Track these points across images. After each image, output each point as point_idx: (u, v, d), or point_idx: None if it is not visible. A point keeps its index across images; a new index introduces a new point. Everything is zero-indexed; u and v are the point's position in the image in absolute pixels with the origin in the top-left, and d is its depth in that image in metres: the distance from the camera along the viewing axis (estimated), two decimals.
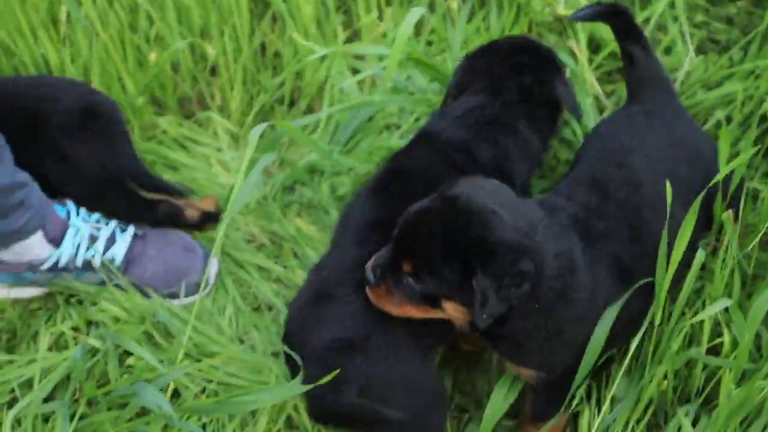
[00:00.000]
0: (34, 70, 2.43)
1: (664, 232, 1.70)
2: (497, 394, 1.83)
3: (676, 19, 2.50)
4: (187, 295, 2.17)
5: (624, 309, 1.73)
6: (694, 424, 1.85)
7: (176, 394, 2.00)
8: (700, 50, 2.51)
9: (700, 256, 1.76)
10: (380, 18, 2.54)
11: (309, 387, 1.71)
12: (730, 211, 1.91)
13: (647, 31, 2.46)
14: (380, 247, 1.75)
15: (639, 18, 2.48)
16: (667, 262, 1.72)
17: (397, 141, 2.34)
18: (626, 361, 1.80)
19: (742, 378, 1.85)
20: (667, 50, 2.50)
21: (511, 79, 2.01)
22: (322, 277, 1.86)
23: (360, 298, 1.77)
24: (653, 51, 2.05)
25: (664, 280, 1.73)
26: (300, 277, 2.20)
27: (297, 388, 1.74)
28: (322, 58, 2.50)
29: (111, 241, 2.14)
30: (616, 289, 1.74)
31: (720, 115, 2.34)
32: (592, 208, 1.79)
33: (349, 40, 2.59)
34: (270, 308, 2.18)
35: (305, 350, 1.78)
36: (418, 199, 1.73)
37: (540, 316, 1.69)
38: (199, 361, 2.02)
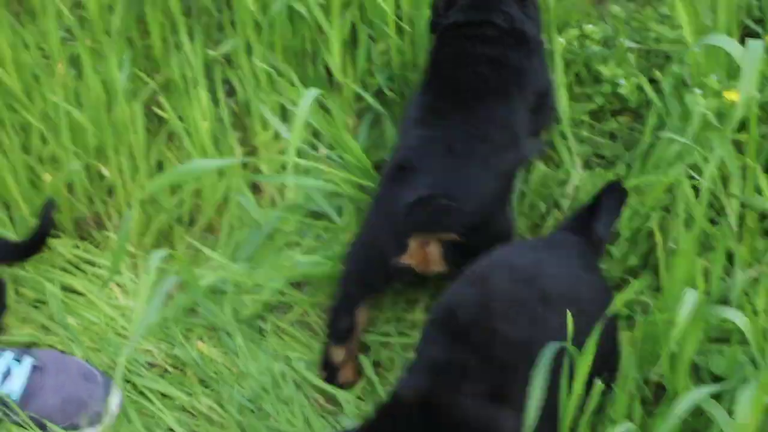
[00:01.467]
0: None
1: (567, 358, 1.73)
2: None
3: (563, 135, 2.59)
4: (89, 426, 2.10)
5: None
6: None
7: None
8: (587, 165, 2.59)
9: (599, 386, 1.81)
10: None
11: None
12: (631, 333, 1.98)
13: None
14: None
15: None
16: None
17: (301, 257, 2.35)
18: None
19: None
20: (557, 164, 2.58)
21: None
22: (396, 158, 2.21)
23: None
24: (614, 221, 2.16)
25: (567, 409, 1.77)
26: (205, 404, 2.16)
27: None
28: (221, 176, 2.50)
29: (6, 375, 2.06)
30: None
31: None
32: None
33: (246, 155, 2.59)
34: None
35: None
36: (471, 74, 2.30)
37: None
38: None
